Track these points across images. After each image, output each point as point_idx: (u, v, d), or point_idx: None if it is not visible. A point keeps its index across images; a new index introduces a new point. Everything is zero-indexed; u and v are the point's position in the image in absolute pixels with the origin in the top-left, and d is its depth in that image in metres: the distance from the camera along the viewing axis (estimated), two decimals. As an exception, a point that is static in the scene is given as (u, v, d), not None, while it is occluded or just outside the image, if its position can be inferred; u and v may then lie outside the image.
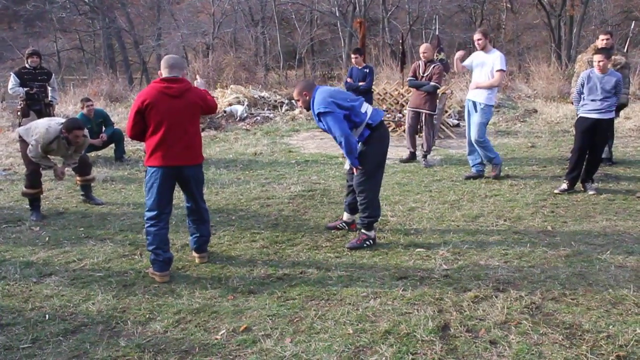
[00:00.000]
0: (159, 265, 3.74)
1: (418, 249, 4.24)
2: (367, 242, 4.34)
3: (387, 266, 3.91)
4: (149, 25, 28.57)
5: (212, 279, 3.77)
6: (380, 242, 4.44)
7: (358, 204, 4.38)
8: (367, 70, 7.99)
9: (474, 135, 6.35)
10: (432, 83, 7.14)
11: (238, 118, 11.65)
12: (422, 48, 7.48)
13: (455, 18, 26.90)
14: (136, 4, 28.35)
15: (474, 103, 6.36)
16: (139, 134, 3.78)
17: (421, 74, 7.27)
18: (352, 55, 8.21)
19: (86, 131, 5.25)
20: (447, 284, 3.58)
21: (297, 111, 12.44)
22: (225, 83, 14.77)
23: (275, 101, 13.13)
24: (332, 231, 4.72)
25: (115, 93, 15.09)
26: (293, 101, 13.58)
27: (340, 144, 4.13)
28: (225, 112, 11.81)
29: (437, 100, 9.64)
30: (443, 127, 9.72)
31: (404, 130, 8.46)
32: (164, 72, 3.75)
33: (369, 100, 8.27)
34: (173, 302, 3.41)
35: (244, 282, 3.70)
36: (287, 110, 12.79)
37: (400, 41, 12.49)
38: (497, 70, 6.14)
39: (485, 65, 6.25)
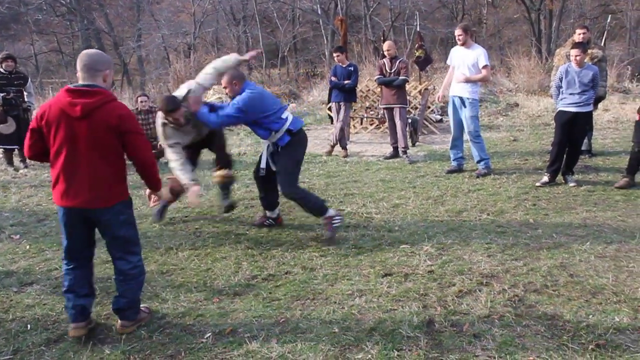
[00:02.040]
0: (70, 314, 3.05)
1: (402, 246, 4.26)
2: (337, 220, 4.48)
3: (372, 263, 3.93)
4: (128, 26, 28.28)
5: (197, 282, 3.75)
6: (364, 239, 4.46)
7: (303, 204, 4.49)
8: (352, 69, 8.04)
9: (471, 130, 6.39)
10: (401, 77, 7.36)
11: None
12: (385, 46, 7.74)
13: (436, 13, 27.05)
14: (115, 5, 28.04)
15: (461, 99, 6.40)
16: (39, 155, 2.97)
17: (388, 71, 7.51)
18: (335, 54, 8.24)
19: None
20: (432, 280, 3.61)
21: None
22: (208, 83, 14.65)
23: (259, 100, 13.07)
24: (316, 230, 4.73)
25: (95, 96, 14.88)
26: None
27: (212, 124, 4.36)
28: None
29: (421, 96, 9.72)
30: (426, 122, 9.78)
31: (387, 127, 8.51)
32: (79, 76, 2.89)
33: (353, 98, 8.32)
34: (158, 306, 3.39)
35: (229, 284, 3.69)
36: (270, 109, 12.74)
37: (382, 38, 12.52)
38: (484, 67, 6.21)
39: (467, 60, 6.29)
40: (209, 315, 3.26)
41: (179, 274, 3.91)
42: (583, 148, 6.58)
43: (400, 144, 7.52)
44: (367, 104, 10.46)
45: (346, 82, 7.91)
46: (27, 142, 2.95)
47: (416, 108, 9.82)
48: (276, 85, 16.21)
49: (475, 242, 4.29)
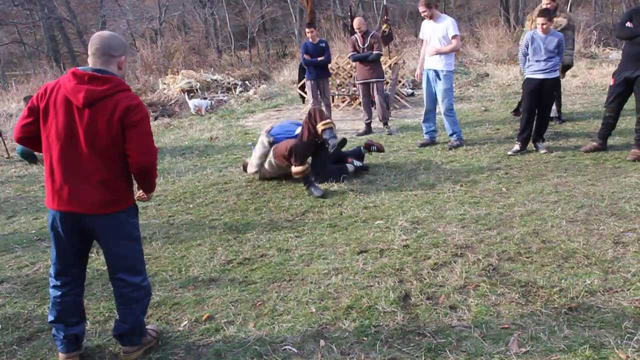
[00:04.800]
0: (60, 344, 2.66)
1: (377, 222, 4.27)
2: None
3: (348, 241, 3.93)
4: (92, 13, 27.48)
5: (172, 270, 3.70)
6: (340, 217, 4.45)
7: None
8: (323, 45, 7.97)
9: (445, 103, 6.36)
10: (375, 52, 7.34)
11: (195, 109, 11.25)
12: (355, 23, 7.68)
13: (404, -14, 26.87)
14: (76, -9, 27.16)
15: (436, 72, 6.36)
16: (30, 139, 2.53)
17: (361, 46, 7.46)
18: (307, 30, 8.14)
19: None
20: (407, 254, 3.62)
21: (251, 92, 12.26)
22: (176, 69, 14.38)
23: (229, 83, 12.89)
24: (291, 210, 4.70)
25: (61, 87, 14.46)
26: (247, 82, 13.37)
27: None
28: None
29: (391, 70, 9.68)
30: (398, 97, 9.77)
31: (359, 104, 8.48)
32: (89, 61, 2.48)
33: (326, 75, 8.24)
34: (132, 298, 3.33)
35: (204, 270, 3.65)
36: (241, 91, 12.58)
37: (350, 14, 12.40)
38: (453, 37, 6.19)
39: (437, 33, 6.25)
40: (185, 303, 3.22)
41: (154, 263, 3.85)
42: (552, 115, 6.65)
43: (379, 116, 7.58)
44: (338, 81, 10.38)
45: (320, 58, 7.84)
46: (20, 121, 2.51)
47: (387, 83, 9.78)
48: (246, 67, 15.95)
49: (450, 214, 4.31)
